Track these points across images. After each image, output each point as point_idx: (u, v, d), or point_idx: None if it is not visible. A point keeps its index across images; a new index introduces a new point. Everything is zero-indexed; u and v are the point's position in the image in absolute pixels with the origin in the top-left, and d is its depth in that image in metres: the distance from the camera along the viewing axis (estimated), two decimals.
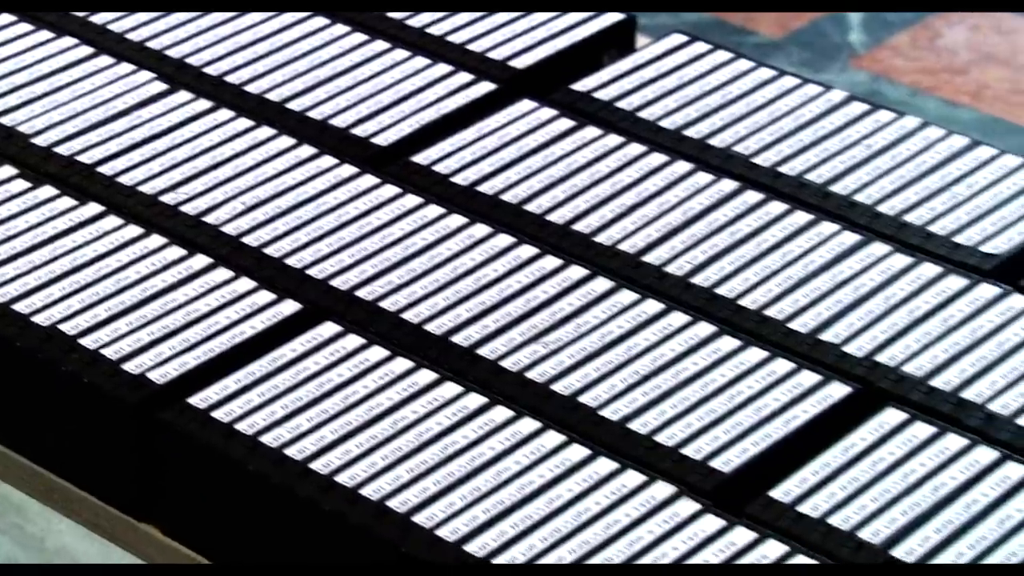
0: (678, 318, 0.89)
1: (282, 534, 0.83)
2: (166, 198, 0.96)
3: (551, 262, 0.92)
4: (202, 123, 1.00)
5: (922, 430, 0.83)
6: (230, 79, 1.03)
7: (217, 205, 0.96)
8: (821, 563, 0.77)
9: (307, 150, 0.99)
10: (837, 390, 0.85)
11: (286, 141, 0.99)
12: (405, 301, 0.90)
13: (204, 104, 1.01)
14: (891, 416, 0.84)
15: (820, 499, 0.81)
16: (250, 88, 1.03)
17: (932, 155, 0.98)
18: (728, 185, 0.96)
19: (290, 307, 0.90)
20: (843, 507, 0.80)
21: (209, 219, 0.95)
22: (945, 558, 0.78)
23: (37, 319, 0.89)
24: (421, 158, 0.98)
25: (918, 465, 0.82)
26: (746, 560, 0.78)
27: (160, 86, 1.03)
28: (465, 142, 0.99)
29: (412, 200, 0.96)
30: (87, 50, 1.05)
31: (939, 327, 0.88)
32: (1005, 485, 0.81)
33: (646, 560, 0.78)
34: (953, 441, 0.83)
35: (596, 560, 0.78)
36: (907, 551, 0.78)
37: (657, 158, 0.98)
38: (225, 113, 1.01)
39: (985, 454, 0.82)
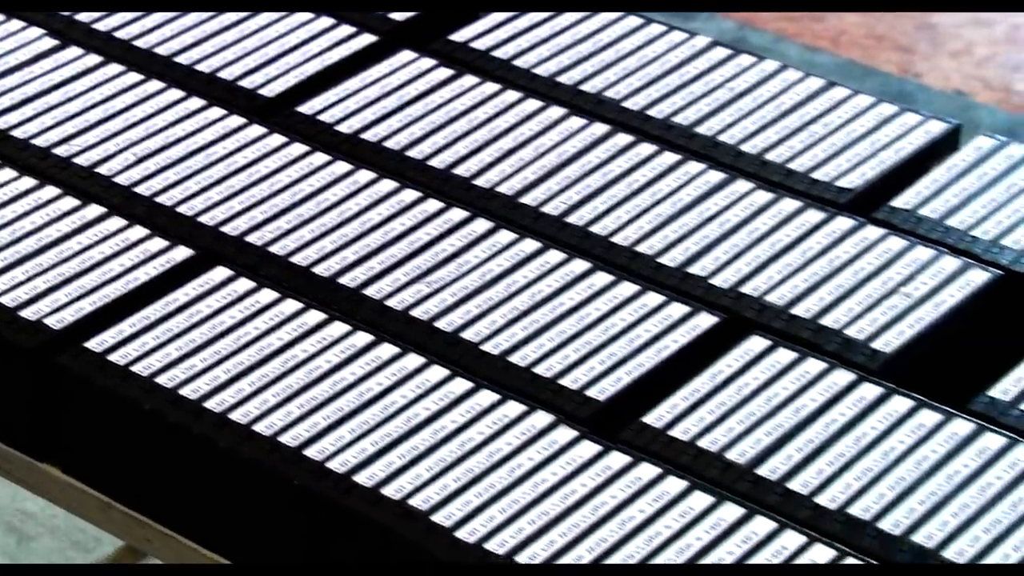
0: (554, 256, 0.89)
1: (178, 471, 0.82)
2: (59, 150, 0.94)
3: (433, 205, 0.92)
4: (93, 77, 0.99)
5: (784, 356, 0.84)
6: (119, 35, 1.01)
7: (109, 156, 0.94)
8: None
9: (196, 102, 0.97)
10: (705, 320, 0.86)
11: (175, 93, 0.98)
12: (293, 245, 0.90)
13: (94, 59, 1.00)
14: (755, 343, 0.85)
15: (690, 423, 0.81)
16: (139, 43, 1.01)
17: (791, 96, 0.98)
18: (600, 128, 0.96)
19: (182, 253, 0.89)
20: (712, 430, 0.81)
21: (102, 170, 0.94)
22: (806, 476, 0.79)
23: None
24: (306, 108, 0.98)
25: (781, 389, 0.83)
26: (621, 483, 0.79)
27: (51, 42, 1.01)
28: (348, 92, 0.98)
29: (298, 148, 0.95)
30: None
31: (799, 258, 0.89)
32: (861, 405, 0.82)
33: (526, 486, 0.78)
34: (813, 365, 0.83)
35: (479, 487, 0.78)
36: (771, 470, 0.79)
37: (532, 104, 0.97)
38: (115, 67, 0.99)
39: (842, 376, 0.83)
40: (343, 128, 0.96)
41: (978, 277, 0.87)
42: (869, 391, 0.82)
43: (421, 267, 0.88)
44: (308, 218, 0.91)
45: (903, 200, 0.92)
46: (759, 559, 0.75)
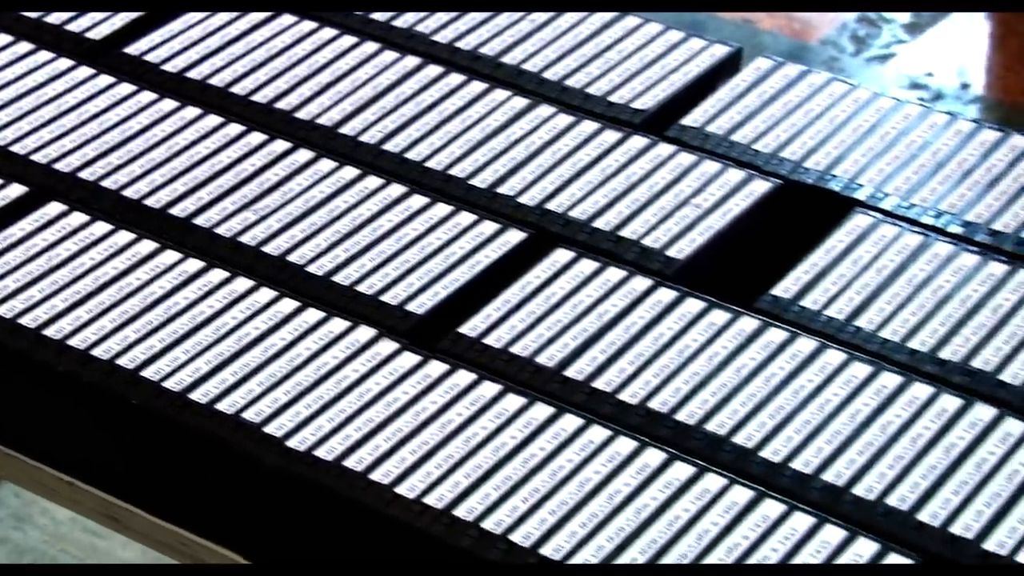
0: (373, 181, 0.88)
1: (21, 396, 0.80)
2: None
3: (256, 138, 0.90)
4: None
5: (587, 266, 0.84)
6: None
7: None
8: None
9: (24, 46, 0.94)
10: (514, 236, 0.86)
11: (4, 38, 0.95)
12: (125, 179, 0.88)
13: None
14: (561, 256, 0.85)
15: (503, 332, 0.81)
16: None
17: (587, 26, 0.98)
18: (411, 61, 0.95)
19: (17, 190, 0.87)
20: (522, 337, 0.81)
21: None
22: (609, 375, 0.79)
23: None
24: (133, 49, 0.95)
25: (585, 296, 0.83)
26: (440, 389, 0.78)
27: None
28: (173, 33, 0.96)
29: (127, 88, 0.93)
30: None
31: (598, 176, 0.89)
32: (658, 308, 0.82)
33: (352, 396, 0.78)
34: (614, 273, 0.84)
35: (308, 399, 0.78)
36: (578, 371, 0.80)
37: (347, 40, 0.96)
38: None
39: (641, 283, 0.83)
40: (169, 67, 0.94)
41: (760, 187, 0.88)
42: (665, 295, 0.83)
43: (247, 196, 0.87)
44: (138, 153, 0.89)
45: (691, 119, 0.92)
46: (568, 453, 0.76)
